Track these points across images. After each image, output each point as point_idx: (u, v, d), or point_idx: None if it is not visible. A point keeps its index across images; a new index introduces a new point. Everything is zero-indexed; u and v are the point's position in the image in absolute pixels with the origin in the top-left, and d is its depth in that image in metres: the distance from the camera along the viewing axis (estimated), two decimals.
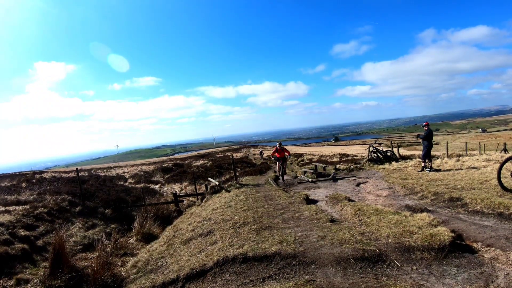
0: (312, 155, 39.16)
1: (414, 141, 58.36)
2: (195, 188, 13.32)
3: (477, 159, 11.02)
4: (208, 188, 11.21)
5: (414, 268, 3.04)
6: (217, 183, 10.86)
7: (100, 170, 27.76)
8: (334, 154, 37.92)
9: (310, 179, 10.42)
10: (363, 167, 12.18)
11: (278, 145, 11.86)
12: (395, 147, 16.32)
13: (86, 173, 24.21)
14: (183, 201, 12.02)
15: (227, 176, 17.10)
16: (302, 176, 12.30)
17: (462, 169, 9.20)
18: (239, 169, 22.79)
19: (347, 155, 34.14)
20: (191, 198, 12.62)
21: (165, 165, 28.81)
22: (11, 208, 8.53)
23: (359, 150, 47.62)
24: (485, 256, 3.20)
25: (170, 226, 7.37)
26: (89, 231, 8.29)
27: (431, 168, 9.75)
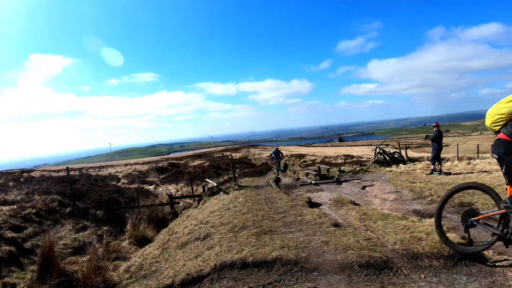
0: (315, 156, 39.17)
1: (423, 142, 58.37)
2: (192, 189, 13.35)
3: (489, 162, 11.02)
4: (206, 189, 11.22)
5: (422, 276, 3.04)
6: (215, 184, 10.86)
7: (91, 170, 27.77)
8: (338, 155, 37.90)
9: (313, 181, 10.43)
10: (369, 169, 12.19)
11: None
12: (403, 149, 16.33)
13: (77, 173, 24.22)
14: (179, 203, 12.02)
15: (226, 177, 17.10)
16: (305, 178, 12.31)
17: (473, 173, 9.20)
18: (238, 170, 22.80)
19: (352, 157, 34.13)
20: (188, 200, 12.63)
21: (160, 164, 28.83)
22: None
23: (364, 151, 47.66)
24: (496, 264, 3.20)
25: (165, 229, 7.37)
26: (80, 234, 8.30)
27: (440, 171, 9.75)
